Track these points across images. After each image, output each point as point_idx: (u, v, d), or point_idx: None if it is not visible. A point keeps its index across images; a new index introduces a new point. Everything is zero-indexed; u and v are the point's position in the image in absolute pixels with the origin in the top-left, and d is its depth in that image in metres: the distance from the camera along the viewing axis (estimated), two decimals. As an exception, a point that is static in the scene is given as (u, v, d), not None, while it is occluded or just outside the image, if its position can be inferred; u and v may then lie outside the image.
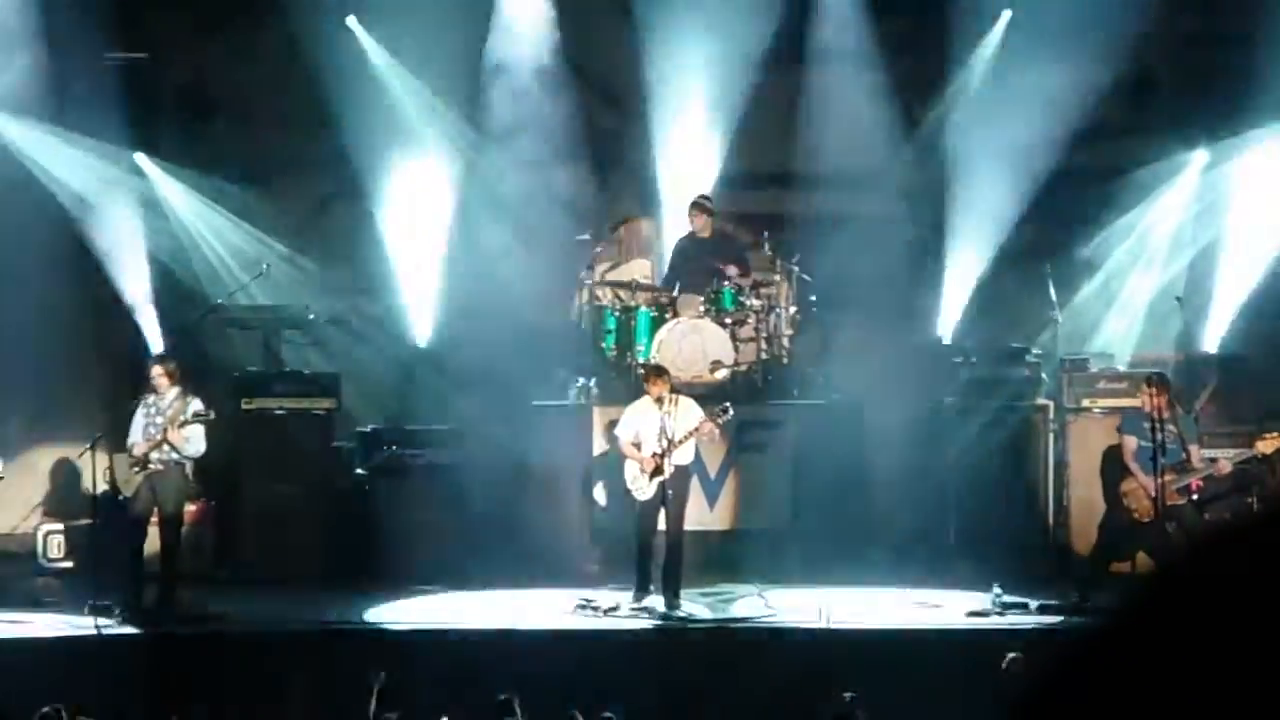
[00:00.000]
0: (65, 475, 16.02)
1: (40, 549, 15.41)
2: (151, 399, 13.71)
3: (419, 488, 15.32)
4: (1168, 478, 13.21)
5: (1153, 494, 13.25)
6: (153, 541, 13.78)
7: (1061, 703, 1.90)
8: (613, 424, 14.83)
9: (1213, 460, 13.58)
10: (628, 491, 13.81)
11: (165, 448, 13.53)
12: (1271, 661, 1.76)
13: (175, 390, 13.69)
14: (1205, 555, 1.94)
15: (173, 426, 13.46)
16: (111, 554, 14.23)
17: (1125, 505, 13.55)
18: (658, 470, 13.47)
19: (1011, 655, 10.93)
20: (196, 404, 13.64)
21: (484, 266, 16.90)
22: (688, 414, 13.57)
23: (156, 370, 13.73)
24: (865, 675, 11.49)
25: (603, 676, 12.05)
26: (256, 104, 16.71)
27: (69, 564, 15.29)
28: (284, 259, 16.62)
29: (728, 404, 13.84)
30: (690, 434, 13.48)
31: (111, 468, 13.80)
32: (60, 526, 15.50)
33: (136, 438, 13.67)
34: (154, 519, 13.74)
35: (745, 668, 12.39)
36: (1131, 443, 13.62)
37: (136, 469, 13.58)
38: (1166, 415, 13.33)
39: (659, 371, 13.82)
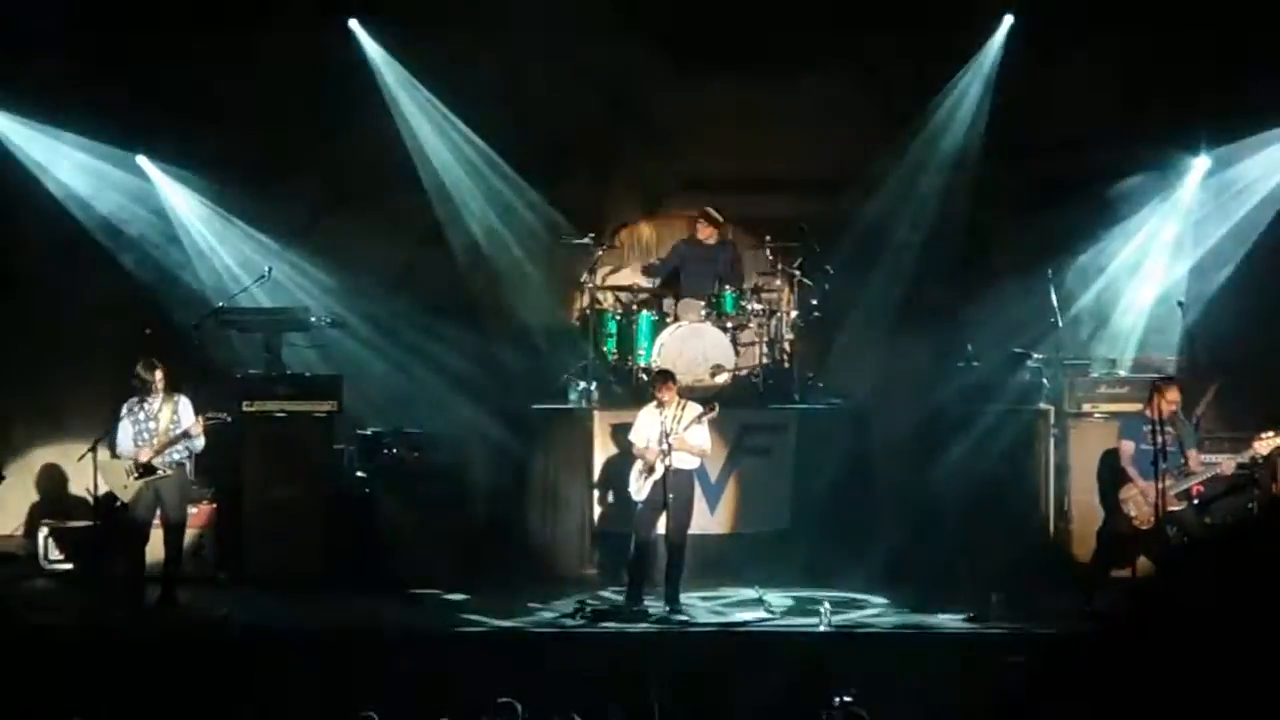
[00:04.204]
0: (66, 477, 16.03)
1: (41, 550, 15.44)
2: (139, 406, 13.70)
3: (419, 490, 15.33)
4: (1167, 482, 13.20)
5: (1152, 499, 13.25)
6: (154, 544, 13.79)
7: (1056, 705, 1.92)
8: (615, 428, 14.87)
9: (1214, 464, 13.58)
10: (629, 494, 13.84)
11: (167, 451, 13.56)
12: (1258, 664, 1.78)
13: (161, 395, 13.69)
14: (1196, 563, 1.95)
15: (178, 429, 13.49)
16: (113, 555, 14.26)
17: (1124, 512, 13.53)
18: (651, 470, 13.50)
19: (1012, 660, 10.93)
20: (185, 403, 13.67)
21: (485, 269, 16.92)
22: (691, 418, 13.60)
23: (158, 375, 13.70)
24: (866, 679, 11.49)
25: (603, 680, 12.04)
26: (259, 107, 16.71)
27: (70, 565, 15.32)
28: (285, 261, 16.62)
29: (714, 403, 13.81)
30: (684, 430, 13.47)
31: (100, 473, 13.76)
32: (61, 528, 15.52)
33: (127, 445, 13.65)
34: (156, 522, 13.76)
35: (746, 671, 12.38)
36: (1129, 448, 13.61)
37: (137, 475, 13.57)
38: (1169, 418, 13.32)
39: (666, 376, 13.85)
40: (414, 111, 16.74)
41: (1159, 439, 13.10)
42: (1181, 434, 13.54)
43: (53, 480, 16.23)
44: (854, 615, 13.53)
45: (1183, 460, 13.42)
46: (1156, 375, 14.35)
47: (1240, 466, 13.70)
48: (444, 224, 16.93)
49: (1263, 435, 13.50)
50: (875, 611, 13.82)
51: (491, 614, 13.62)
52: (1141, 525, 13.42)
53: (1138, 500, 13.45)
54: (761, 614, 13.60)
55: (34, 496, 16.29)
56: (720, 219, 16.24)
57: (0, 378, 16.43)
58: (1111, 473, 13.81)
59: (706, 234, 16.18)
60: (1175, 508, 13.30)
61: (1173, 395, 13.41)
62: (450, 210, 16.92)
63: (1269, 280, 16.20)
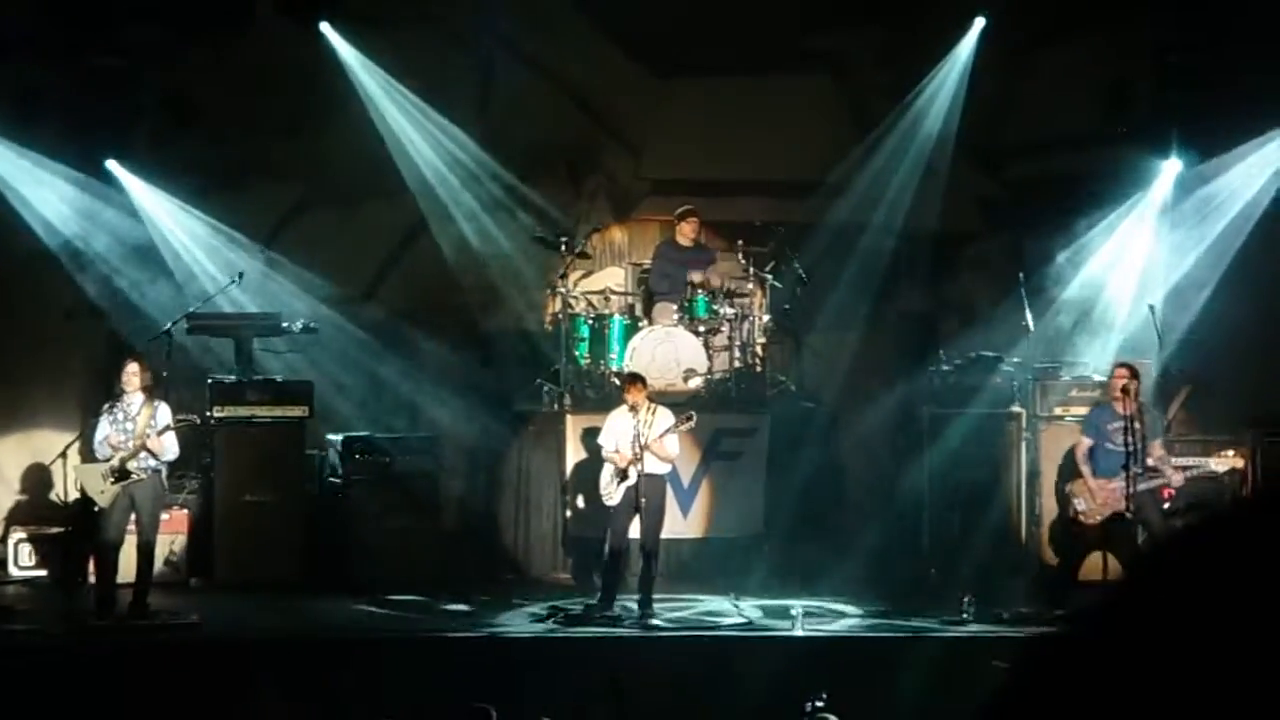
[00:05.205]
0: (37, 482, 15.96)
1: (11, 556, 15.36)
2: (117, 408, 13.62)
3: (392, 495, 15.29)
4: (1120, 483, 13.22)
5: (1100, 497, 13.36)
6: (127, 550, 13.71)
7: (1027, 709, 1.92)
8: (587, 432, 14.86)
9: (1173, 466, 13.56)
10: (601, 499, 13.82)
11: (143, 456, 13.47)
12: (1230, 664, 1.78)
13: (141, 397, 13.61)
14: (1164, 560, 1.96)
15: (153, 434, 13.41)
16: (84, 561, 14.19)
17: (1072, 505, 13.63)
18: (624, 475, 13.48)
19: (995, 664, 10.94)
20: (164, 410, 13.59)
21: (461, 272, 16.90)
22: (662, 422, 13.58)
23: (132, 368, 13.63)
24: (839, 684, 11.49)
25: (576, 685, 12.04)
26: (232, 109, 16.66)
27: (42, 572, 15.24)
28: (259, 265, 16.57)
29: (691, 411, 13.82)
30: (660, 437, 13.45)
31: (76, 478, 13.69)
32: (32, 534, 15.44)
33: (104, 445, 13.59)
34: (130, 527, 13.68)
35: (718, 676, 12.38)
36: (1085, 443, 13.69)
37: (113, 479, 13.48)
38: (1135, 411, 13.33)
39: (636, 379, 13.83)
40: (391, 114, 16.69)
41: (1128, 437, 13.16)
42: (1146, 425, 13.50)
43: (22, 484, 16.15)
44: (826, 619, 13.53)
45: (1145, 454, 13.39)
46: (1122, 361, 14.29)
47: (1191, 480, 13.69)
48: (420, 227, 16.90)
49: (1223, 454, 13.59)
50: (848, 616, 13.82)
51: (465, 619, 13.61)
52: (1087, 520, 13.49)
53: (1085, 495, 13.54)
54: (734, 619, 13.59)
55: (3, 501, 16.20)
56: (698, 214, 16.19)
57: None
58: (1068, 468, 13.93)
59: (689, 236, 16.16)
60: (1119, 508, 13.30)
61: (1133, 383, 13.42)
62: (426, 214, 16.89)
63: (1244, 288, 16.25)
